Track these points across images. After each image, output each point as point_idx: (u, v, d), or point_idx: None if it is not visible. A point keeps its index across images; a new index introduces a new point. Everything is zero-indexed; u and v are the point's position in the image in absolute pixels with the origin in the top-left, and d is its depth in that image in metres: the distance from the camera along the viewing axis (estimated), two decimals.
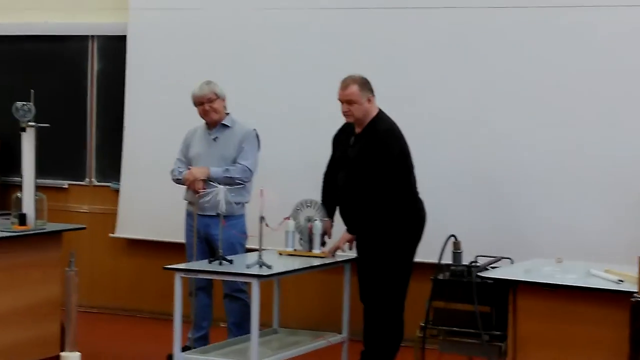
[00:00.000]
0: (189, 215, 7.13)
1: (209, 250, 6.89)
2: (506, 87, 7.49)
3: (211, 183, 6.72)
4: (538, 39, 7.39)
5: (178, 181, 7.14)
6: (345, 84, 6.62)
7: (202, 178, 6.88)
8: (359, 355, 6.75)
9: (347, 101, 6.59)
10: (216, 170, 6.95)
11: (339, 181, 6.74)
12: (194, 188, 6.90)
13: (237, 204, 6.83)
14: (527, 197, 7.38)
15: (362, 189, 6.53)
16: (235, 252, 6.75)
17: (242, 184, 6.95)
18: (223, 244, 6.49)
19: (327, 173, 6.94)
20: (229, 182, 6.77)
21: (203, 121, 7.19)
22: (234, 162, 7.03)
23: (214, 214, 6.69)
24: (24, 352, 6.52)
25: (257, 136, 7.16)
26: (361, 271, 6.67)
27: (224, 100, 7.14)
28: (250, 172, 7.02)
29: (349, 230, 6.67)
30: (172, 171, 7.20)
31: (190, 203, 7.04)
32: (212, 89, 7.09)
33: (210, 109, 7.08)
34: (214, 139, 7.14)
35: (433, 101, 7.66)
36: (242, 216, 7.02)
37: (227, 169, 6.97)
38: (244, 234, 7.00)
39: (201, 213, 6.94)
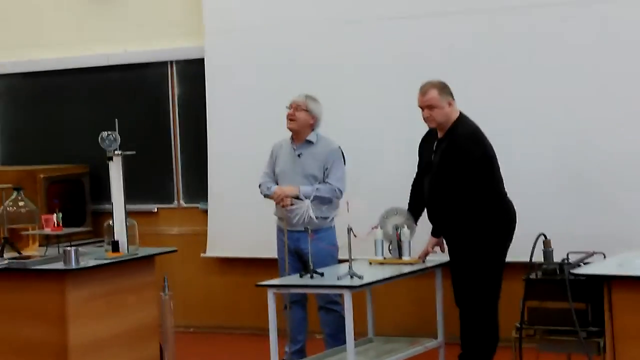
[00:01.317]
0: (280, 230, 7.16)
1: (301, 264, 6.91)
2: (591, 85, 7.42)
3: (299, 199, 6.76)
4: None
5: (267, 196, 7.18)
6: (424, 89, 6.63)
7: (291, 195, 6.91)
8: (456, 358, 6.73)
9: (427, 107, 6.60)
10: (307, 189, 6.96)
11: (424, 187, 6.72)
12: (283, 205, 6.92)
13: (325, 218, 6.86)
14: (614, 189, 7.30)
15: (447, 194, 6.53)
16: (326, 265, 6.74)
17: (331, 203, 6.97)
18: (314, 257, 6.54)
19: (415, 180, 6.93)
20: (319, 201, 6.80)
21: (289, 134, 7.21)
22: (316, 179, 7.05)
23: (302, 228, 6.72)
24: None
25: (342, 153, 7.17)
26: (454, 275, 6.65)
27: (312, 117, 7.14)
28: (340, 192, 7.02)
29: (433, 234, 6.67)
30: (260, 185, 7.24)
31: (280, 219, 7.07)
32: (305, 100, 7.13)
33: (293, 115, 7.10)
34: (298, 155, 7.16)
35: (525, 96, 7.60)
36: (330, 229, 7.03)
37: (317, 188, 6.97)
38: (333, 245, 7.01)
39: (291, 229, 6.96)
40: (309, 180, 7.05)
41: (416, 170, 6.93)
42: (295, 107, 7.11)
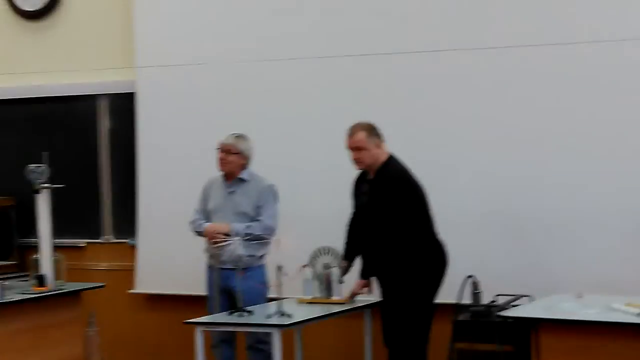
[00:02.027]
0: (210, 268, 7.14)
1: (231, 302, 6.89)
2: (528, 127, 7.44)
3: (229, 237, 6.76)
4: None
5: (198, 233, 7.16)
6: (352, 131, 6.65)
7: (222, 232, 6.89)
8: None
9: (355, 148, 6.62)
10: (238, 227, 6.95)
11: (362, 231, 6.75)
12: (214, 241, 6.90)
13: (256, 256, 6.86)
14: (544, 234, 7.30)
15: (378, 235, 6.54)
16: (256, 303, 6.73)
17: (263, 240, 6.97)
18: (244, 295, 6.52)
19: (351, 221, 6.94)
20: (251, 239, 6.79)
21: (220, 173, 7.22)
22: (248, 216, 7.05)
23: (233, 266, 6.71)
24: None
25: (275, 191, 7.19)
26: (384, 314, 6.64)
27: (244, 158, 7.16)
28: (272, 229, 7.02)
29: (362, 276, 6.69)
30: (192, 222, 7.23)
31: (211, 256, 7.05)
32: (236, 143, 7.13)
33: (224, 159, 7.11)
34: (230, 193, 7.16)
35: (462, 138, 7.61)
36: (261, 267, 7.02)
37: (249, 226, 6.97)
38: (264, 284, 7.00)
39: (221, 266, 6.94)
40: (241, 218, 7.04)
41: (352, 210, 6.94)
42: (226, 150, 7.11)
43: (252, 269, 6.89)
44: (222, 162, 7.13)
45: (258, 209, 7.08)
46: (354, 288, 6.74)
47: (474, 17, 7.53)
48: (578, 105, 7.29)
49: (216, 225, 7.02)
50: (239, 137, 7.16)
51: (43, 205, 6.59)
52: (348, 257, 6.87)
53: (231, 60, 8.42)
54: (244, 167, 7.17)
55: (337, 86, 8.01)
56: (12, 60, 9.36)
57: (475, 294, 5.62)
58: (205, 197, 7.28)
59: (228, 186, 7.18)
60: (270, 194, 7.15)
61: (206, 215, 7.22)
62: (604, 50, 7.16)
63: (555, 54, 7.31)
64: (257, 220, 7.04)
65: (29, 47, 9.32)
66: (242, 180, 7.17)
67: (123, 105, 8.90)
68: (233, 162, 7.13)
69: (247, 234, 6.85)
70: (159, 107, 8.66)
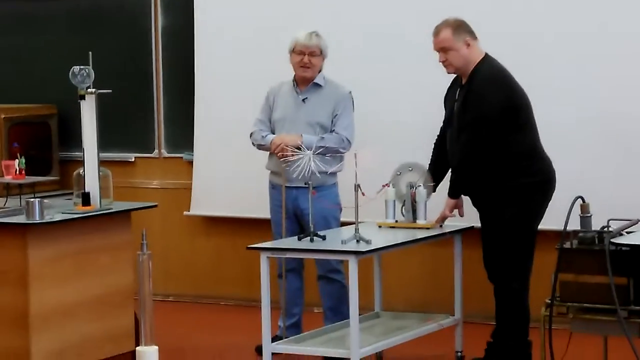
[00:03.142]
0: (274, 187, 7.14)
1: (299, 226, 6.90)
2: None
3: (299, 150, 6.69)
4: None
5: (261, 147, 7.15)
6: (437, 30, 6.67)
7: (293, 145, 6.80)
8: (475, 340, 6.83)
9: (441, 49, 6.64)
10: (310, 138, 6.92)
11: (448, 145, 6.74)
12: (282, 155, 6.87)
13: (329, 173, 6.82)
14: None
15: (470, 152, 6.56)
16: (328, 227, 6.75)
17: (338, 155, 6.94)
18: (315, 218, 6.53)
19: (439, 135, 6.95)
20: (324, 152, 6.74)
21: (289, 79, 7.21)
22: (323, 127, 7.05)
23: (302, 184, 6.70)
24: (95, 349, 6.62)
25: (353, 99, 7.17)
26: (485, 246, 6.71)
27: (324, 59, 7.16)
28: (348, 142, 7.03)
29: (450, 195, 6.69)
30: (252, 134, 7.23)
31: (275, 173, 7.03)
32: (319, 43, 7.12)
33: (309, 63, 7.09)
34: (303, 100, 7.15)
35: (571, 61, 7.62)
36: (333, 185, 7.02)
37: (322, 138, 6.96)
38: (337, 205, 7.01)
39: (288, 185, 6.94)
40: (314, 129, 7.05)
41: (441, 123, 6.93)
42: (309, 52, 7.08)
43: (324, 187, 6.90)
44: (305, 66, 7.10)
45: (334, 118, 7.07)
46: (444, 210, 6.74)
47: None
48: None
49: (285, 136, 7.00)
50: (319, 35, 7.14)
51: (88, 114, 6.60)
52: (435, 175, 6.88)
53: None
54: (319, 69, 7.16)
55: None
56: None
57: (585, 219, 5.55)
58: (269, 105, 7.27)
59: (300, 93, 7.17)
60: (348, 102, 7.16)
61: (271, 126, 7.20)
62: None
63: None
64: (332, 131, 7.03)
65: None
66: (317, 86, 7.16)
67: (180, 1, 8.90)
68: (317, 66, 7.13)
69: (319, 147, 6.81)
70: (220, 3, 8.65)
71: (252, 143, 7.26)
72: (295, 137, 6.95)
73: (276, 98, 7.26)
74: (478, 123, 6.49)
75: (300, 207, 6.94)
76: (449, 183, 6.79)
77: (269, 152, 7.08)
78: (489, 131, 6.47)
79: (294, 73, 7.18)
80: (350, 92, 7.18)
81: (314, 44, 7.09)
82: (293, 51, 7.12)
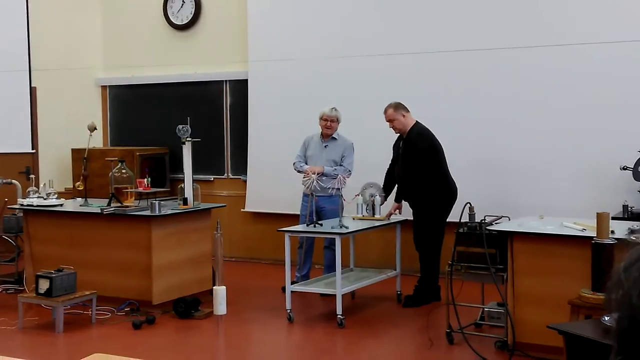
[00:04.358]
0: (305, 195, 7.08)
1: (318, 217, 6.76)
2: (506, 99, 7.36)
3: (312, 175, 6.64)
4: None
5: (299, 171, 7.10)
6: (385, 109, 6.69)
7: (317, 172, 6.74)
8: (407, 284, 6.76)
9: (389, 120, 6.65)
10: (328, 169, 6.94)
11: (395, 172, 6.73)
12: (306, 175, 6.78)
13: (333, 189, 6.79)
14: (521, 176, 7.28)
15: (408, 175, 6.54)
16: (335, 217, 6.65)
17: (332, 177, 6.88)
18: (328, 212, 6.72)
19: (389, 168, 6.92)
20: (334, 177, 6.69)
21: (317, 132, 7.16)
22: (336, 162, 7.03)
23: (322, 194, 6.74)
24: (189, 287, 6.61)
25: (353, 147, 7.12)
26: (415, 229, 6.68)
27: (339, 123, 7.10)
28: (349, 171, 6.98)
29: (395, 200, 6.67)
30: (294, 164, 7.17)
31: (307, 187, 6.91)
32: (337, 115, 7.06)
33: (330, 126, 7.04)
34: (325, 146, 7.12)
35: (460, 117, 7.51)
36: (338, 196, 6.67)
37: (335, 169, 6.94)
38: (338, 206, 6.86)
39: (318, 194, 6.80)
40: (330, 163, 7.02)
41: (390, 160, 6.93)
42: (330, 120, 7.03)
43: (334, 196, 6.77)
44: (328, 128, 7.05)
45: (342, 158, 7.05)
46: (391, 209, 6.73)
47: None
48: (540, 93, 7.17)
49: (313, 167, 6.96)
50: (337, 110, 7.07)
51: (187, 152, 6.62)
52: (386, 191, 6.86)
53: (315, 57, 8.33)
54: (336, 129, 7.14)
55: (393, 78, 7.88)
56: (166, 58, 9.42)
57: (471, 215, 5.56)
58: (305, 147, 7.21)
59: (324, 142, 7.14)
60: (351, 148, 7.11)
61: (305, 159, 7.18)
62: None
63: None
64: (341, 165, 7.02)
65: (177, 48, 9.36)
66: (334, 139, 7.12)
67: (240, 89, 8.90)
68: (334, 128, 7.08)
69: (333, 173, 6.81)
70: (264, 90, 8.65)
71: (294, 169, 7.17)
72: (320, 167, 6.94)
73: (309, 143, 7.22)
74: (412, 159, 6.48)
75: (319, 205, 6.84)
76: (395, 194, 6.78)
77: (303, 176, 7.01)
78: (418, 164, 6.46)
79: (320, 130, 7.13)
80: (352, 143, 7.12)
81: (333, 115, 7.05)
82: (321, 118, 7.08)
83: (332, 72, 8.23)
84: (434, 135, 6.61)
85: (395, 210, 6.73)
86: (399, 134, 6.79)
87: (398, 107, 6.62)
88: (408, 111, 6.64)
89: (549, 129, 7.17)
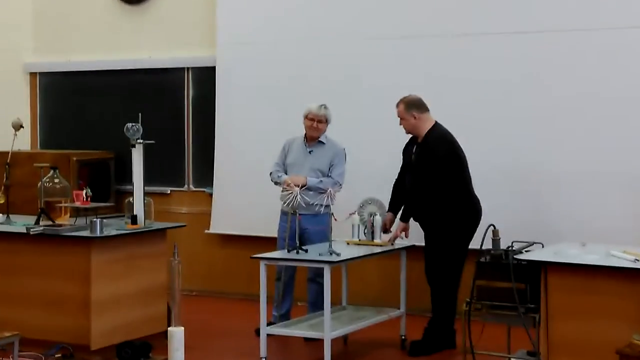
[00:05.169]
0: (284, 214, 7.08)
1: (300, 241, 6.75)
2: (544, 107, 7.42)
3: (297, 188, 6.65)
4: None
5: (276, 183, 7.12)
6: (397, 104, 6.72)
7: (299, 184, 6.78)
8: (414, 327, 6.77)
9: (399, 117, 6.71)
10: (312, 180, 6.94)
11: (406, 183, 6.74)
12: (285, 188, 6.82)
13: (321, 205, 6.80)
14: (552, 193, 7.33)
15: (422, 188, 6.57)
16: (324, 241, 6.64)
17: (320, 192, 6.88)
18: (314, 235, 6.75)
19: (397, 179, 6.94)
20: (321, 191, 6.73)
21: (301, 134, 7.18)
22: (322, 172, 7.03)
23: (306, 212, 6.77)
24: (138, 329, 6.57)
25: (345, 154, 7.15)
26: (427, 257, 6.70)
27: (328, 124, 7.13)
28: (339, 185, 6.99)
29: (402, 219, 6.70)
30: (271, 174, 7.18)
31: (285, 203, 6.90)
32: (326, 114, 7.08)
33: (317, 127, 7.06)
34: (310, 152, 7.13)
35: (489, 116, 7.58)
36: (327, 214, 6.62)
37: (321, 180, 6.95)
38: (327, 227, 6.87)
39: (296, 212, 6.77)
40: (315, 173, 7.02)
41: (399, 171, 6.93)
42: (318, 120, 7.05)
43: (320, 215, 6.76)
44: (313, 129, 7.07)
45: (331, 167, 7.06)
46: (395, 232, 6.74)
47: None
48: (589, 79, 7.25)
49: (294, 177, 6.97)
50: (326, 107, 7.10)
51: (137, 158, 6.60)
52: (393, 208, 6.88)
53: (300, 38, 8.37)
54: (324, 131, 7.16)
55: (392, 64, 7.94)
56: (114, 38, 9.43)
57: (495, 240, 5.56)
58: (284, 153, 7.22)
59: (308, 146, 7.15)
60: (342, 155, 7.13)
61: (284, 168, 7.19)
62: None
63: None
64: (329, 176, 7.03)
65: (127, 27, 9.37)
66: (320, 142, 7.14)
67: (206, 77, 8.93)
68: (322, 129, 7.10)
69: (318, 187, 6.85)
70: (235, 79, 8.68)
71: (271, 180, 7.19)
72: (302, 178, 6.94)
73: (290, 148, 7.23)
74: (431, 168, 6.51)
75: (302, 227, 6.81)
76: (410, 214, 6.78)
77: (282, 188, 6.99)
78: (437, 175, 6.49)
79: (305, 132, 7.15)
80: (343, 149, 7.15)
81: (322, 114, 7.07)
82: (306, 117, 7.10)
83: (321, 58, 8.26)
84: (456, 141, 6.65)
85: (401, 233, 6.74)
86: (410, 137, 6.83)
87: (410, 104, 6.66)
88: (425, 111, 6.69)
89: (594, 132, 7.21)
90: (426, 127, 6.66)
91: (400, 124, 6.71)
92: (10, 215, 7.10)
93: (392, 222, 6.84)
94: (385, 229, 6.79)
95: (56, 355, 6.33)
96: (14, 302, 6.46)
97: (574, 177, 7.26)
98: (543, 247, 5.75)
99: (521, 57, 7.48)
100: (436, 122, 6.71)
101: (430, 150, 6.56)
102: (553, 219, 7.23)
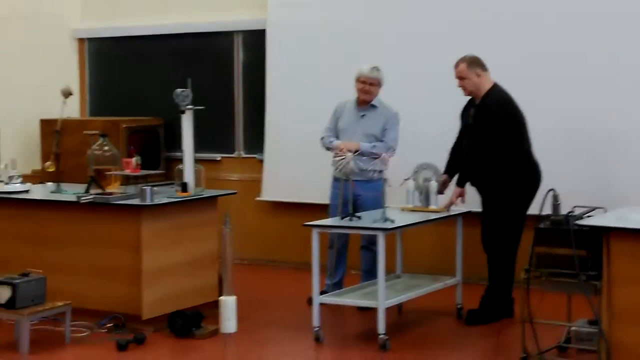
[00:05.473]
0: (336, 180, 7.04)
1: (354, 208, 6.73)
2: (602, 61, 7.31)
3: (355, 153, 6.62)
4: None
5: (328, 149, 7.10)
6: (456, 63, 6.69)
7: (352, 150, 6.72)
8: (471, 296, 6.74)
9: (459, 77, 6.67)
10: (365, 145, 6.90)
11: (464, 147, 6.71)
12: (337, 154, 6.77)
13: (375, 171, 6.77)
14: (616, 153, 7.24)
15: (481, 151, 6.53)
16: (380, 206, 6.56)
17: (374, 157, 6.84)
18: (368, 202, 6.64)
19: (455, 143, 6.91)
20: (374, 156, 6.71)
21: (353, 98, 7.13)
22: (375, 137, 6.99)
23: (360, 178, 6.75)
24: (190, 298, 6.61)
25: (399, 118, 7.09)
26: (484, 223, 6.68)
27: (380, 87, 7.08)
28: (393, 149, 6.94)
29: (458, 184, 6.66)
30: (322, 139, 7.16)
31: (338, 169, 6.86)
32: (379, 76, 7.03)
33: (369, 90, 7.02)
34: (362, 116, 7.09)
35: (546, 74, 7.50)
36: (380, 179, 6.68)
37: (374, 145, 6.92)
38: (381, 193, 6.84)
39: (353, 179, 6.71)
40: (368, 138, 6.98)
41: (457, 135, 6.90)
42: (369, 83, 7.01)
43: (374, 180, 6.80)
44: (366, 92, 7.03)
45: (384, 131, 7.01)
46: (452, 197, 6.70)
47: None
48: None
49: (347, 142, 6.93)
50: (379, 70, 7.04)
51: (187, 124, 6.62)
52: (449, 172, 6.85)
53: (343, 1, 8.34)
54: (376, 95, 7.10)
55: (450, 28, 7.88)
56: (162, 3, 9.49)
57: (555, 205, 5.49)
58: (336, 117, 7.19)
59: (360, 110, 7.11)
60: (395, 119, 7.08)
61: (336, 133, 7.15)
62: None
63: None
64: (382, 141, 6.98)
65: None
66: (373, 107, 7.09)
67: (256, 41, 8.93)
68: (374, 93, 7.06)
69: (372, 152, 6.81)
70: (286, 42, 8.68)
71: (322, 145, 7.17)
72: (355, 144, 6.90)
73: (342, 112, 7.19)
74: (489, 131, 6.47)
75: (355, 193, 6.72)
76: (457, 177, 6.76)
77: (334, 154, 6.94)
78: (496, 138, 6.46)
79: (356, 96, 7.10)
80: (397, 113, 7.10)
81: (374, 77, 7.02)
82: (358, 79, 7.05)
83: (374, 19, 8.20)
84: (516, 102, 6.60)
85: (457, 198, 6.68)
86: (468, 100, 6.77)
87: (473, 62, 6.63)
88: (486, 69, 6.66)
89: None
90: (486, 87, 6.64)
91: (460, 85, 6.66)
92: (61, 184, 7.17)
93: (446, 184, 6.79)
94: (441, 191, 6.74)
95: (108, 325, 6.40)
96: (65, 272, 6.53)
97: (638, 138, 7.15)
98: (606, 212, 5.66)
99: (583, 12, 7.37)
100: (495, 82, 6.66)
101: (490, 112, 6.52)
102: (616, 182, 7.16)
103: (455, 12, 7.83)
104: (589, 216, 5.54)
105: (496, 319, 6.57)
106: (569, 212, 5.43)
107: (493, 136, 6.47)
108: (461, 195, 6.70)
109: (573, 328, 5.81)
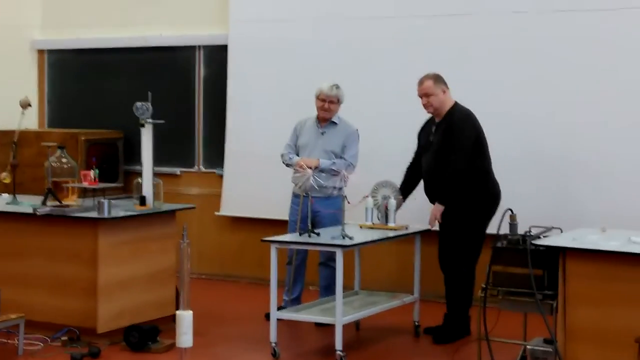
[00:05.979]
0: (296, 196, 7.07)
1: (312, 224, 6.73)
2: (559, 84, 7.38)
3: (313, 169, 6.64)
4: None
5: (288, 165, 7.11)
6: (421, 80, 6.71)
7: (312, 166, 6.75)
8: (428, 313, 6.78)
9: (424, 95, 6.67)
10: (325, 162, 6.93)
11: (423, 165, 6.73)
12: (297, 170, 6.79)
13: (334, 188, 6.79)
14: (573, 175, 7.30)
15: (443, 168, 6.54)
16: (338, 223, 6.57)
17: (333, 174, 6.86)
18: (326, 219, 6.71)
19: (411, 162, 6.95)
20: (334, 173, 6.73)
21: (313, 115, 7.16)
22: (335, 154, 7.02)
23: (318, 195, 6.78)
24: (147, 312, 6.59)
25: (358, 135, 7.13)
26: (442, 242, 6.69)
27: (340, 105, 7.11)
28: (352, 166, 6.98)
29: (442, 202, 6.61)
30: (282, 155, 7.17)
31: (297, 185, 6.89)
32: (339, 94, 7.07)
33: (328, 108, 7.05)
34: (322, 133, 7.12)
35: (503, 99, 7.55)
36: (339, 196, 6.68)
37: (334, 162, 6.95)
38: (339, 210, 6.87)
39: (313, 195, 6.73)
40: (328, 155, 7.02)
41: (413, 154, 6.94)
42: (329, 101, 7.04)
43: (333, 197, 6.86)
44: (325, 110, 7.07)
45: (344, 148, 7.04)
46: (436, 215, 6.63)
47: None
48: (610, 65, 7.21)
49: (307, 159, 6.96)
50: (338, 87, 7.08)
51: (146, 138, 6.60)
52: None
53: (315, 17, 8.36)
54: (336, 112, 7.14)
55: (408, 44, 7.91)
56: (123, 16, 9.43)
57: (512, 225, 5.54)
58: (296, 134, 7.22)
59: (320, 127, 7.14)
60: (355, 136, 7.12)
61: (296, 150, 7.17)
62: None
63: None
64: (342, 157, 7.01)
65: (138, 4, 9.37)
66: (333, 123, 7.13)
67: (217, 56, 8.92)
68: (334, 110, 7.09)
69: (331, 169, 6.84)
70: (247, 58, 8.68)
71: (282, 161, 7.19)
72: (315, 160, 6.92)
73: (301, 129, 7.22)
74: (459, 147, 6.49)
75: (314, 209, 6.76)
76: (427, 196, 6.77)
77: (294, 170, 6.95)
78: (464, 155, 6.50)
79: (317, 113, 7.14)
80: (357, 130, 7.13)
81: (333, 94, 7.06)
82: (318, 97, 7.09)
83: (334, 37, 8.23)
84: (477, 120, 6.64)
85: (439, 215, 6.65)
86: (427, 120, 6.80)
87: (438, 79, 6.67)
88: (448, 87, 6.68)
89: (614, 117, 7.18)
90: (449, 104, 6.68)
91: (425, 103, 6.66)
92: (17, 195, 7.12)
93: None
94: (434, 219, 6.72)
95: (62, 338, 6.35)
96: (20, 284, 6.48)
97: (594, 162, 7.24)
98: (562, 232, 5.72)
99: (538, 37, 7.44)
100: (456, 101, 6.70)
101: (459, 129, 6.53)
102: (573, 203, 7.22)
103: (411, 29, 7.88)
104: (545, 236, 5.59)
105: (457, 338, 6.59)
106: (526, 232, 5.48)
107: (463, 152, 6.48)
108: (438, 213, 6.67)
109: (529, 347, 5.78)
